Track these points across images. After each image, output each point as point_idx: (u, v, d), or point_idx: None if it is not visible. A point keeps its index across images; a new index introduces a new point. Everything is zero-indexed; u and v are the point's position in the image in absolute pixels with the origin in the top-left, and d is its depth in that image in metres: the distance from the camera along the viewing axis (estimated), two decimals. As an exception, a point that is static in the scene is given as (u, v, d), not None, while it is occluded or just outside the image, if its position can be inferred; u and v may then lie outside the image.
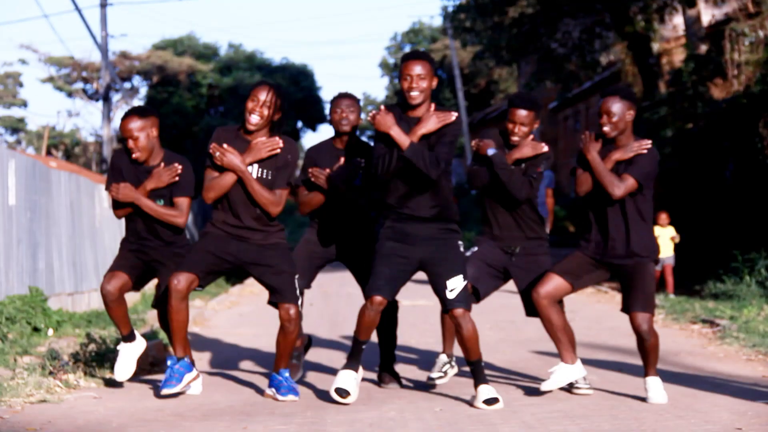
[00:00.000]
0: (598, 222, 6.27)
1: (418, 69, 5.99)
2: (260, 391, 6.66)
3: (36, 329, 9.21)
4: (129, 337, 6.68)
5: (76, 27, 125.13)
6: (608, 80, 26.43)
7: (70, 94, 43.03)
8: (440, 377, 6.75)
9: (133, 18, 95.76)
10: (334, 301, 13.92)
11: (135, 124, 6.48)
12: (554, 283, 6.30)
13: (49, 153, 40.98)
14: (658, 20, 18.64)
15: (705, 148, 15.18)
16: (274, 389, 6.33)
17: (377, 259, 6.09)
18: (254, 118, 6.16)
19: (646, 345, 6.19)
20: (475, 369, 6.08)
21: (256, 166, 6.20)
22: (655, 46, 19.05)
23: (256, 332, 10.30)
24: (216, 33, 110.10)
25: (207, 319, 11.94)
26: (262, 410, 6.02)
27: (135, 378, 7.21)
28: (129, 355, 6.67)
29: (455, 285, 6.02)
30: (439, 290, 6.07)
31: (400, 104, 6.13)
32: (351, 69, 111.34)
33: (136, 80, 43.86)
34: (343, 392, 6.07)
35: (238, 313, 12.91)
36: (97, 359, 7.46)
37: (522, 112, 6.41)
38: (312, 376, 7.36)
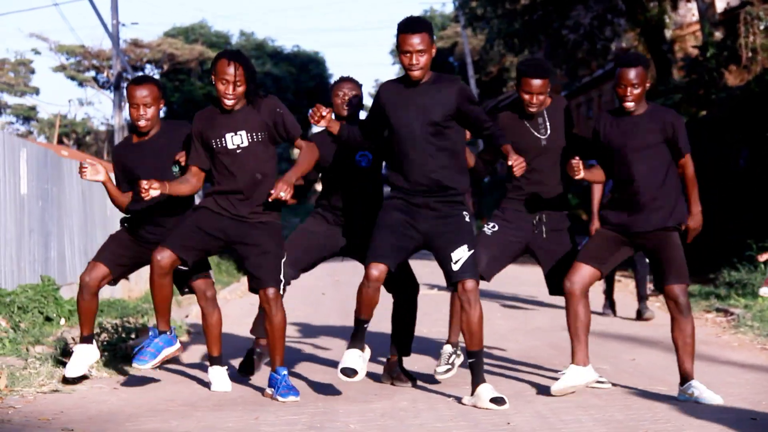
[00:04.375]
0: (625, 191, 6.00)
1: (417, 42, 5.64)
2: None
3: (48, 319, 9.20)
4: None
5: (86, 15, 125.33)
6: (621, 67, 26.29)
7: (81, 83, 43.06)
8: (448, 370, 6.42)
9: (143, 6, 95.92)
10: (345, 289, 13.88)
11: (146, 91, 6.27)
12: (581, 273, 6.00)
13: (60, 142, 41.03)
14: (671, 7, 18.54)
15: (719, 135, 15.11)
16: (272, 389, 6.04)
17: (379, 228, 5.79)
18: (229, 102, 5.93)
19: (685, 322, 5.89)
20: (476, 363, 5.72)
21: (244, 132, 5.95)
22: (668, 33, 18.96)
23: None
24: (227, 21, 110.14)
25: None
26: (273, 400, 6.00)
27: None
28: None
29: (460, 255, 5.69)
30: (444, 263, 5.75)
31: (401, 79, 5.85)
32: (362, 56, 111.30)
33: (147, 68, 43.85)
34: (350, 371, 5.84)
35: (249, 302, 12.88)
36: (109, 349, 7.45)
37: (537, 81, 6.11)
38: (322, 366, 7.34)
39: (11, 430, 5.12)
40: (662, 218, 5.94)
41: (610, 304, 10.60)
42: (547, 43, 22.29)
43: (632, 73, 5.90)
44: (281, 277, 6.02)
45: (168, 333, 6.17)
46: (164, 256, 5.94)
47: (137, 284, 14.09)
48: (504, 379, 6.64)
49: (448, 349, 6.47)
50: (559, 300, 6.50)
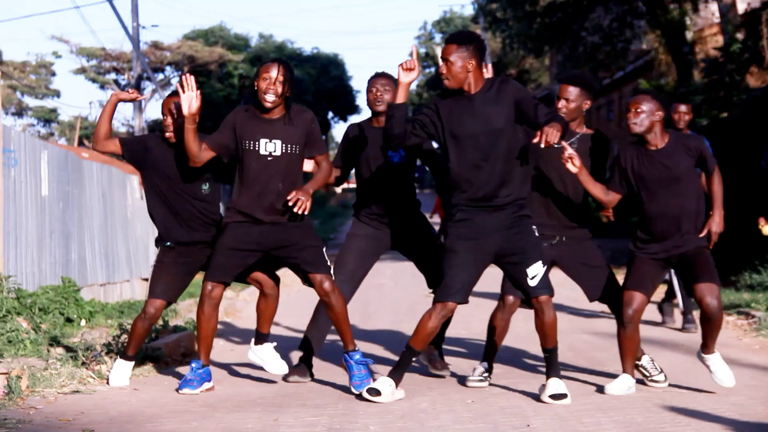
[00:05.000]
0: (659, 215, 6.17)
1: (452, 54, 5.79)
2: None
3: (69, 320, 9.24)
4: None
5: (107, 18, 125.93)
6: (641, 69, 26.22)
7: (102, 86, 43.23)
8: (480, 381, 6.52)
9: (163, 9, 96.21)
10: (365, 292, 13.86)
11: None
12: (638, 300, 6.19)
13: (81, 144, 41.14)
14: (691, 9, 18.48)
15: (740, 137, 15.03)
16: (348, 370, 6.20)
17: (450, 261, 5.85)
18: (270, 97, 6.04)
19: (715, 320, 6.10)
20: (550, 357, 5.96)
21: (279, 142, 6.07)
22: (689, 35, 18.90)
23: (287, 323, 10.30)
24: (246, 23, 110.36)
25: (239, 310, 11.94)
26: (293, 402, 6.01)
27: (167, 369, 7.24)
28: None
29: (536, 272, 5.81)
30: (520, 280, 5.87)
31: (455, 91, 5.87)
32: (381, 59, 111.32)
33: (168, 71, 44.00)
34: (374, 391, 5.88)
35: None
36: (130, 350, 7.45)
37: (568, 88, 6.40)
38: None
39: (32, 431, 5.14)
40: (697, 239, 6.17)
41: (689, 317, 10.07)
42: (567, 45, 22.25)
43: (640, 101, 6.15)
44: (329, 264, 6.19)
45: (209, 367, 6.35)
46: (214, 288, 6.15)
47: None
48: (523, 381, 6.63)
49: (485, 365, 6.61)
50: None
